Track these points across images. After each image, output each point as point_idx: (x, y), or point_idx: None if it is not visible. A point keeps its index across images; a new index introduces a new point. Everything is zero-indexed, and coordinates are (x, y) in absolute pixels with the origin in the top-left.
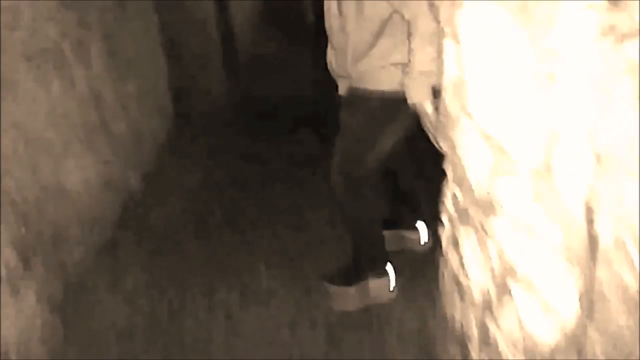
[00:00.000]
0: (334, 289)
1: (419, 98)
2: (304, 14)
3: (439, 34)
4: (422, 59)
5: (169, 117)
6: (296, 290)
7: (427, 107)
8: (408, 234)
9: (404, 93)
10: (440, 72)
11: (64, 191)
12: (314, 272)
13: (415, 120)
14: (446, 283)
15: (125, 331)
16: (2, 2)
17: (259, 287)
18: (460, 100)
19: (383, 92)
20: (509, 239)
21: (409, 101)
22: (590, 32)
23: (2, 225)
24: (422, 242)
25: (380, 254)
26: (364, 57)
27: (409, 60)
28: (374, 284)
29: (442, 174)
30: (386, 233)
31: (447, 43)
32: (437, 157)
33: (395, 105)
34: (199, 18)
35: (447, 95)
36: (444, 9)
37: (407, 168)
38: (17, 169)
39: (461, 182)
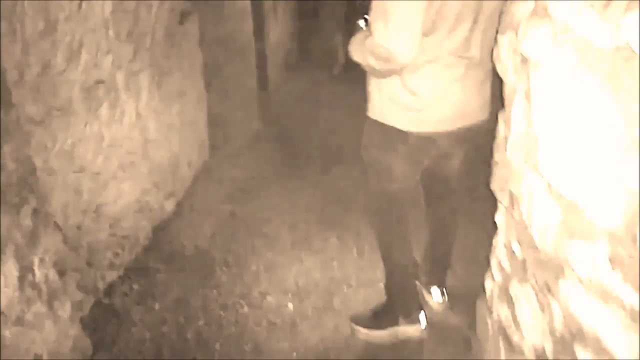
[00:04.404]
0: (363, 331)
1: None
2: (336, 53)
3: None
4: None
5: (204, 147)
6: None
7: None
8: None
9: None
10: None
11: (102, 215)
12: (343, 309)
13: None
14: (490, 335)
15: (151, 353)
16: (66, 36)
17: (284, 320)
18: (526, 154)
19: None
20: (578, 302)
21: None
22: None
23: (46, 244)
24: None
25: (413, 298)
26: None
27: None
28: (404, 330)
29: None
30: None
31: (518, 99)
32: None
33: (393, 138)
34: (238, 52)
35: (510, 149)
36: (515, 69)
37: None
38: (63, 192)
39: (521, 238)
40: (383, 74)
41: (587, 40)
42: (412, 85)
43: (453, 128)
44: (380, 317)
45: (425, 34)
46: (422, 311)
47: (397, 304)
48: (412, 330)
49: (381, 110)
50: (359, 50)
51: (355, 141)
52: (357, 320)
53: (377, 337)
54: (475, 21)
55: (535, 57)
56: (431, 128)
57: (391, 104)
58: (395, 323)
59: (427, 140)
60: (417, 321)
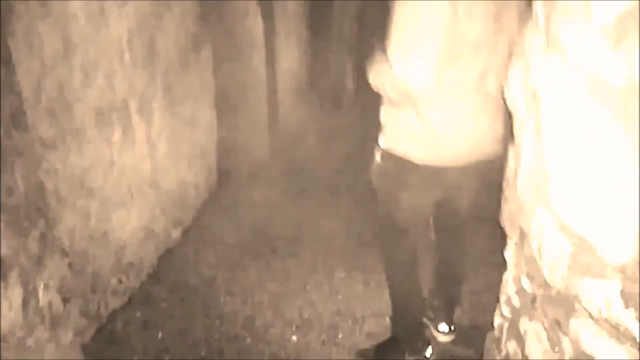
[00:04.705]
0: None
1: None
2: (345, 82)
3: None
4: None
5: (213, 175)
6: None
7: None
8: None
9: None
10: (515, 160)
11: (108, 241)
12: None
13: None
14: None
15: None
16: (82, 60)
17: (287, 353)
18: (536, 190)
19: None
20: (590, 340)
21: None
22: None
23: (51, 270)
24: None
25: (419, 333)
26: None
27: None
28: None
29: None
30: None
31: (527, 134)
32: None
33: (406, 169)
34: (250, 81)
35: (520, 184)
36: (526, 103)
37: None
38: (71, 217)
39: (531, 274)
40: (400, 103)
41: (599, 75)
42: (428, 117)
43: (466, 162)
44: (385, 351)
45: (444, 66)
46: (430, 347)
47: (403, 338)
48: None
49: (394, 141)
50: (377, 77)
51: (364, 173)
52: (363, 354)
53: None
54: (492, 54)
55: (546, 91)
56: (444, 161)
57: (405, 135)
58: (401, 358)
59: (439, 172)
60: (423, 357)
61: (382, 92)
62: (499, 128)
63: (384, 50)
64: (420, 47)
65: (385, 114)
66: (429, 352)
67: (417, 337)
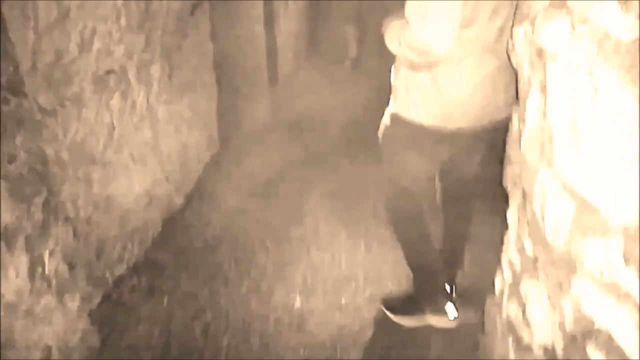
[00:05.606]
0: (392, 316)
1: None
2: (348, 45)
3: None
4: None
5: (214, 139)
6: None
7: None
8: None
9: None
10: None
11: (112, 207)
12: (350, 306)
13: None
14: (499, 333)
15: (159, 347)
16: (78, 24)
17: (292, 316)
18: (540, 150)
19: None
20: (591, 300)
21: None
22: None
23: (56, 237)
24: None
25: (438, 290)
26: None
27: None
28: (431, 319)
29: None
30: None
31: (533, 93)
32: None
33: (416, 133)
34: (249, 45)
35: (525, 145)
36: (531, 62)
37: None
38: (73, 184)
39: (533, 235)
40: (418, 66)
41: (606, 32)
42: (443, 81)
43: (477, 125)
44: (408, 305)
45: (463, 26)
46: (451, 305)
47: (423, 294)
48: (438, 320)
49: (405, 103)
50: (394, 40)
51: (365, 136)
52: (388, 305)
53: (405, 322)
54: (509, 15)
55: (552, 49)
56: (457, 124)
57: (417, 98)
58: (422, 312)
59: (448, 135)
60: (444, 312)
61: (399, 55)
62: (512, 91)
63: (400, 13)
64: (441, 8)
65: (397, 77)
66: (450, 309)
67: (436, 294)
